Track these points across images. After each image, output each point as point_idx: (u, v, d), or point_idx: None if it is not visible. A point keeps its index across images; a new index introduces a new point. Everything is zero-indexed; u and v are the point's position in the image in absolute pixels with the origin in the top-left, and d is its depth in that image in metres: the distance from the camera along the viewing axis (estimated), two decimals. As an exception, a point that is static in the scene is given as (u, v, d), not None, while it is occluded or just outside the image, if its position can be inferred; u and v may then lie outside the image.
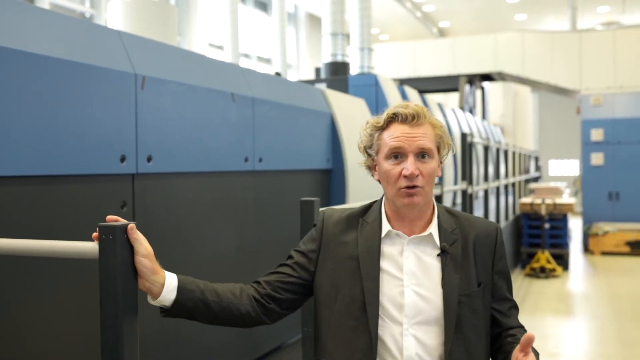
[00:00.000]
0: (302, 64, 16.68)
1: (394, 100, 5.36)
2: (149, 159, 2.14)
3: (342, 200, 3.64)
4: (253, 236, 2.82)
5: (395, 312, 1.48)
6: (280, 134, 3.07)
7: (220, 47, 12.39)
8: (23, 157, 1.66)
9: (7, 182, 1.63)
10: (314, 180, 3.49)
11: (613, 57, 12.44)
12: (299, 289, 1.58)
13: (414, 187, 1.47)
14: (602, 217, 11.41)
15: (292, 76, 15.54)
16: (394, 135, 1.49)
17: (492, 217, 7.48)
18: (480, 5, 16.74)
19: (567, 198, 10.26)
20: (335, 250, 1.57)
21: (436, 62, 13.96)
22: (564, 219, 9.48)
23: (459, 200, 6.74)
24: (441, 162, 1.56)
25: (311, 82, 5.74)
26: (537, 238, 9.44)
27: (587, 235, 11.24)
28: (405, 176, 1.46)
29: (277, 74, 7.43)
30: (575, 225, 14.00)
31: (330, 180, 3.69)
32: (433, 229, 1.53)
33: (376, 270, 1.50)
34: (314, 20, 16.83)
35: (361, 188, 3.75)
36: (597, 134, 11.55)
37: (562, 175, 22.55)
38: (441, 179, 5.92)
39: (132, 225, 1.24)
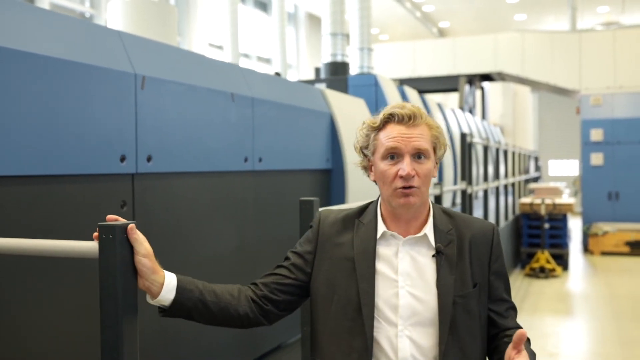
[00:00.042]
0: (302, 64, 16.67)
1: (393, 100, 5.36)
2: (149, 159, 2.14)
3: (342, 200, 3.64)
4: (253, 236, 2.83)
5: (390, 313, 1.48)
6: (279, 134, 3.07)
7: (220, 47, 12.38)
8: (23, 157, 1.67)
9: (7, 182, 1.64)
10: (313, 180, 3.50)
11: (613, 57, 12.45)
12: (295, 290, 1.58)
13: (410, 187, 1.47)
14: (601, 217, 11.41)
15: (292, 76, 15.54)
16: (390, 136, 1.49)
17: (491, 217, 7.48)
18: (480, 5, 16.73)
19: (566, 198, 10.26)
20: (331, 251, 1.57)
21: (436, 62, 13.97)
22: (563, 219, 9.48)
23: (458, 200, 6.74)
24: (437, 163, 1.56)
25: (311, 82, 5.73)
26: (537, 238, 9.45)
27: (586, 236, 11.24)
28: (401, 177, 1.46)
29: (277, 74, 7.44)
30: (574, 226, 14.00)
31: (330, 180, 3.69)
32: (428, 229, 1.53)
33: (371, 271, 1.50)
34: (314, 20, 16.82)
35: (361, 188, 3.76)
36: (596, 134, 11.55)
37: (561, 175, 22.55)
38: (441, 179, 5.94)
39: (132, 225, 1.25)
